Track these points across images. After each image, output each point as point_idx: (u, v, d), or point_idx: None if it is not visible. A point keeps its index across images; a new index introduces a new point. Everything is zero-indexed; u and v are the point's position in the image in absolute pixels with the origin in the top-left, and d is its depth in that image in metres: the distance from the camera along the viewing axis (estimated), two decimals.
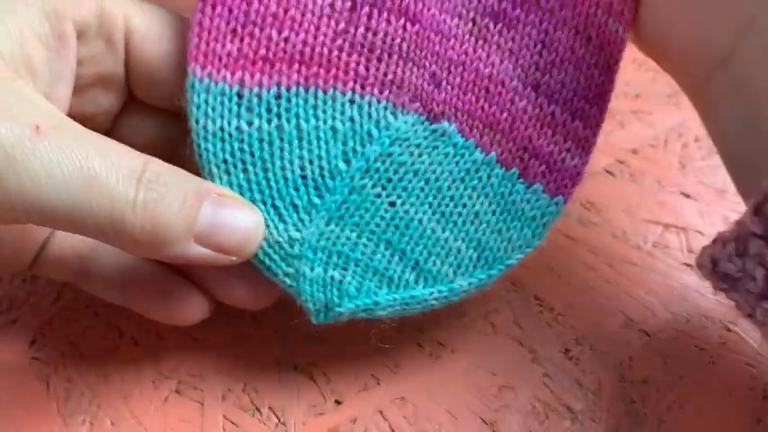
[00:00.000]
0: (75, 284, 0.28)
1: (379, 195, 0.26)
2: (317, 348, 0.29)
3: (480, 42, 0.27)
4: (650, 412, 0.27)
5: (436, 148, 0.26)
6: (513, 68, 0.27)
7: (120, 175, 0.22)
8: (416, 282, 0.26)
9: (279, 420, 0.27)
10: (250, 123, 0.25)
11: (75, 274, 0.28)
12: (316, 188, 0.25)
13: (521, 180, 0.27)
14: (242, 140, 0.25)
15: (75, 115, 0.24)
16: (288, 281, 0.25)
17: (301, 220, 0.25)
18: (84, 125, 0.23)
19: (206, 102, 0.25)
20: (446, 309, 0.30)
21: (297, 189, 0.25)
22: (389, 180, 0.26)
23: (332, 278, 0.25)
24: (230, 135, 0.25)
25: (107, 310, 0.30)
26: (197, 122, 0.25)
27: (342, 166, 0.26)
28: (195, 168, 0.25)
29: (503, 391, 0.28)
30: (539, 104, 0.27)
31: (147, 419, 0.27)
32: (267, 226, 0.25)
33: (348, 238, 0.26)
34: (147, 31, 0.26)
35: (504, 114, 0.27)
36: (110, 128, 0.28)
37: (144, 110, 0.28)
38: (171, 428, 0.27)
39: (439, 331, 0.30)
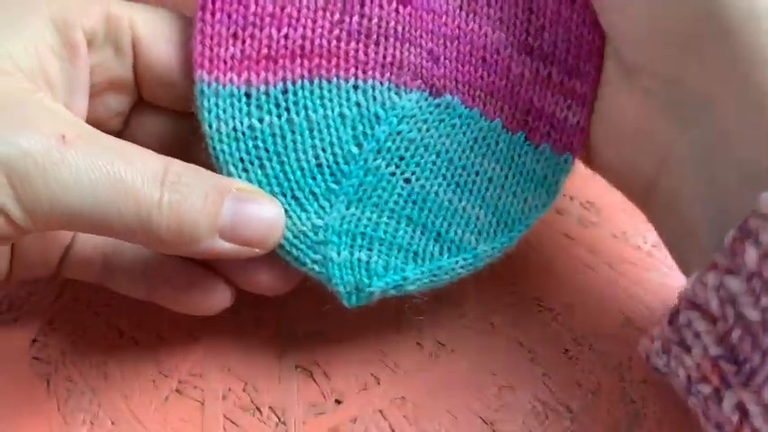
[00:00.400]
0: (101, 283, 0.29)
1: (393, 174, 0.27)
2: (317, 348, 0.29)
3: (471, 16, 0.27)
4: (650, 412, 0.27)
5: (442, 121, 0.27)
6: (505, 37, 0.28)
7: (144, 178, 0.23)
8: (441, 253, 0.27)
9: (279, 420, 0.27)
10: (261, 120, 0.26)
11: (100, 273, 0.28)
12: (332, 174, 0.26)
13: (528, 142, 0.28)
14: (255, 138, 0.26)
15: (89, 121, 0.25)
16: (317, 268, 0.26)
17: (322, 207, 0.26)
18: (98, 129, 0.23)
19: (216, 105, 0.26)
20: (446, 309, 0.30)
21: (314, 178, 0.26)
22: (401, 158, 0.27)
23: (359, 260, 0.26)
24: (243, 134, 0.26)
25: (107, 309, 0.30)
26: (210, 126, 0.26)
27: (354, 150, 0.26)
28: (210, 168, 0.26)
29: (502, 390, 0.28)
30: (535, 68, 0.28)
31: (147, 419, 0.27)
32: (289, 217, 0.26)
33: (369, 219, 0.26)
34: (153, 33, 0.26)
35: (504, 81, 0.28)
36: (121, 129, 0.28)
37: (154, 109, 0.28)
38: (171, 428, 0.27)
39: (439, 331, 0.30)
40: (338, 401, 0.28)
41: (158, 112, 0.28)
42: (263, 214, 0.25)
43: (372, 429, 0.27)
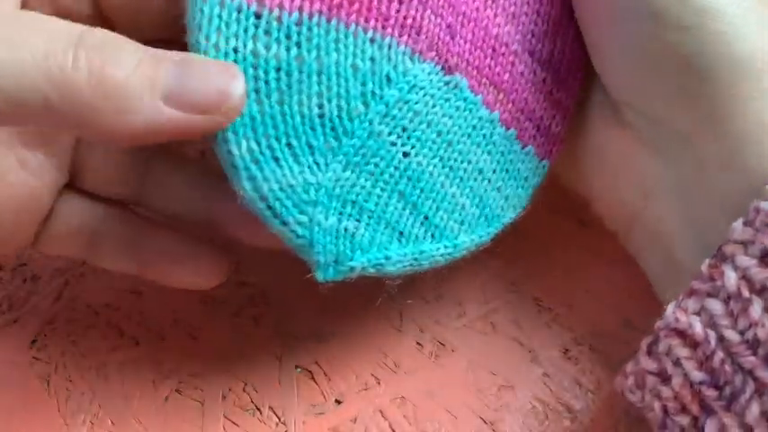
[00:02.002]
0: (84, 259, 0.27)
1: (394, 144, 0.25)
2: (318, 348, 0.29)
3: (489, 2, 0.27)
4: None
5: (448, 100, 0.26)
6: (514, 32, 0.27)
7: (53, 44, 0.19)
8: (425, 237, 0.26)
9: (279, 420, 0.27)
10: (268, 48, 0.23)
11: (84, 247, 0.27)
12: (333, 129, 0.24)
13: (517, 141, 0.28)
14: (257, 66, 0.23)
15: None
16: (299, 230, 0.24)
17: (317, 164, 0.24)
18: None
19: (219, 16, 0.22)
20: (446, 309, 0.30)
21: (313, 129, 0.24)
22: (404, 129, 0.25)
23: (345, 229, 0.24)
24: (244, 58, 0.22)
25: (108, 309, 0.30)
26: (207, 39, 0.22)
27: (361, 107, 0.24)
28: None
29: (502, 390, 0.28)
30: (533, 70, 0.28)
31: (147, 419, 0.27)
32: (280, 166, 0.23)
33: (363, 187, 0.25)
34: None
35: (507, 75, 0.27)
36: None
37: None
38: (171, 428, 0.27)
39: (439, 331, 0.30)
40: (338, 401, 0.28)
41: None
42: (216, 69, 0.21)
43: (372, 429, 0.27)
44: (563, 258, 0.32)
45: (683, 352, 0.22)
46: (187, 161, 0.28)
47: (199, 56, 0.22)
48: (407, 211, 0.25)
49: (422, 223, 0.26)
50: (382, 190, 0.25)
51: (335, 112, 0.24)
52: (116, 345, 0.29)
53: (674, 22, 0.24)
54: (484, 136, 0.27)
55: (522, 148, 0.28)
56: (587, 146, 0.28)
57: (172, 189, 0.28)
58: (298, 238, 0.24)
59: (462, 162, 0.26)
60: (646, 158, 0.26)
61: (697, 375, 0.22)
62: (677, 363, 0.22)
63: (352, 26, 0.24)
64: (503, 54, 0.27)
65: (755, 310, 0.21)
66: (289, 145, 0.23)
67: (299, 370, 0.29)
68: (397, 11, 0.25)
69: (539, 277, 0.31)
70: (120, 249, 0.27)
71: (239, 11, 0.22)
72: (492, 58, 0.27)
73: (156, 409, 0.27)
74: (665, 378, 0.23)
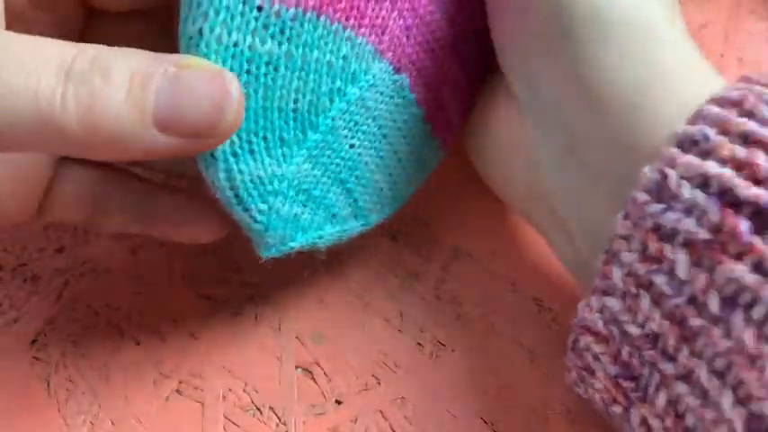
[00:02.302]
0: (89, 225, 0.27)
1: (345, 137, 0.26)
2: (317, 348, 0.29)
3: (438, 4, 0.27)
4: None
5: (392, 98, 0.27)
6: (452, 34, 0.28)
7: (42, 73, 0.18)
8: (352, 217, 0.28)
9: (279, 420, 0.27)
10: (263, 43, 0.22)
11: (88, 213, 0.26)
12: (302, 123, 0.24)
13: (431, 133, 0.29)
14: (251, 61, 0.22)
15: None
16: (258, 216, 0.24)
17: (284, 156, 0.24)
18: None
19: (227, 7, 0.21)
20: (446, 309, 0.30)
21: (287, 123, 0.24)
22: (356, 123, 0.26)
23: (294, 215, 0.26)
24: (242, 53, 0.22)
25: (108, 309, 0.30)
26: (211, 30, 0.21)
27: (327, 103, 0.25)
28: None
29: (503, 391, 0.28)
30: (456, 69, 0.29)
31: (147, 419, 0.27)
32: (254, 160, 0.23)
33: (315, 177, 0.26)
34: None
35: (438, 75, 0.28)
36: None
37: (112, 21, 0.25)
38: (171, 428, 0.27)
39: (439, 331, 0.30)
40: (338, 402, 0.28)
41: (119, 23, 0.25)
42: (207, 89, 0.19)
43: (372, 429, 0.27)
44: None
45: (597, 348, 0.22)
46: None
47: (190, 64, 0.20)
48: (342, 196, 0.27)
49: (350, 205, 0.28)
50: (328, 178, 0.26)
51: (306, 107, 0.24)
52: (116, 345, 0.29)
53: None
54: (410, 130, 0.29)
55: (434, 139, 0.29)
56: (482, 122, 0.29)
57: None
58: (255, 224, 0.24)
59: (389, 152, 0.28)
60: (526, 129, 0.25)
61: (612, 369, 0.22)
62: (596, 358, 0.23)
63: (335, 23, 0.24)
64: (440, 56, 0.28)
65: (644, 304, 0.20)
66: (264, 138, 0.24)
67: (299, 370, 0.29)
68: (372, 10, 0.25)
69: (538, 277, 0.31)
70: (124, 212, 0.27)
71: (244, 2, 0.21)
72: (431, 60, 0.28)
73: (156, 409, 0.28)
74: (591, 372, 0.23)
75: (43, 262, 0.32)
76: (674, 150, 0.20)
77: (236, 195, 0.24)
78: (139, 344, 0.29)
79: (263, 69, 0.23)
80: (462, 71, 0.29)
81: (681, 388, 0.20)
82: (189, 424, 0.27)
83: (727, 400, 0.18)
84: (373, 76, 0.26)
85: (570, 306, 0.30)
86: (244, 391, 0.28)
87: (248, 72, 0.22)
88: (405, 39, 0.27)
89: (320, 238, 0.27)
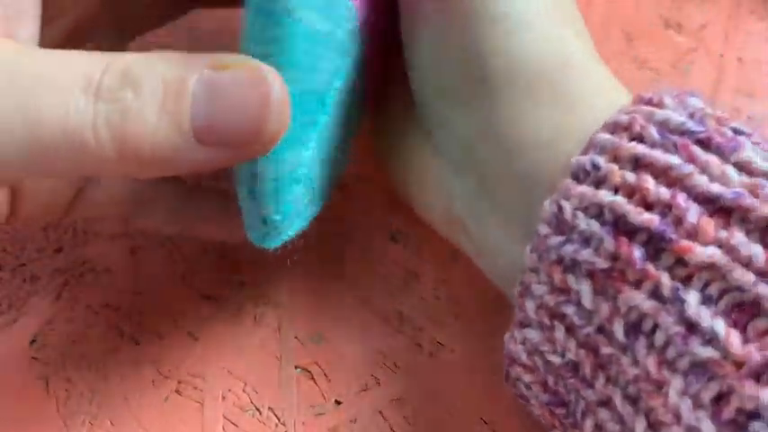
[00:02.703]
0: (125, 222, 0.27)
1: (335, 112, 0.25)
2: (317, 348, 0.29)
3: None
4: None
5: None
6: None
7: (68, 98, 0.17)
8: (316, 201, 0.26)
9: (279, 420, 0.27)
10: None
11: (129, 206, 0.26)
12: (316, 103, 0.23)
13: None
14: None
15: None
16: (281, 207, 0.23)
17: (302, 141, 0.23)
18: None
19: None
20: (446, 308, 0.30)
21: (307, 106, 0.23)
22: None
23: (305, 202, 0.25)
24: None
25: (107, 309, 0.30)
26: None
27: (318, 105, 0.24)
28: None
29: (502, 391, 0.28)
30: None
31: (146, 419, 0.27)
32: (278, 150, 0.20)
33: (313, 159, 0.24)
34: None
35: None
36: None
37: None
38: (171, 428, 0.27)
39: (439, 331, 0.30)
40: (338, 402, 0.28)
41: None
42: (249, 90, 0.18)
43: (372, 430, 0.27)
44: None
45: (527, 377, 0.22)
46: None
47: (227, 64, 0.18)
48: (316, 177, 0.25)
49: (312, 189, 0.25)
50: (319, 159, 0.25)
51: (323, 88, 0.23)
52: (115, 345, 0.29)
53: (462, 23, 0.23)
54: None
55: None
56: (396, 147, 0.28)
57: None
58: (276, 215, 0.23)
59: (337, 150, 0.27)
60: (442, 163, 0.25)
61: (544, 397, 0.22)
62: (528, 387, 0.23)
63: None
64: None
65: (559, 335, 0.20)
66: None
67: (298, 370, 0.29)
68: None
69: None
70: (160, 212, 0.27)
71: None
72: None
73: (156, 409, 0.28)
74: (526, 400, 0.23)
75: (42, 262, 0.32)
76: (569, 182, 0.20)
77: (255, 190, 0.22)
78: (139, 344, 0.29)
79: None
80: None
81: (603, 414, 0.20)
82: (188, 424, 0.27)
83: (640, 427, 0.18)
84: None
85: None
86: (243, 391, 0.28)
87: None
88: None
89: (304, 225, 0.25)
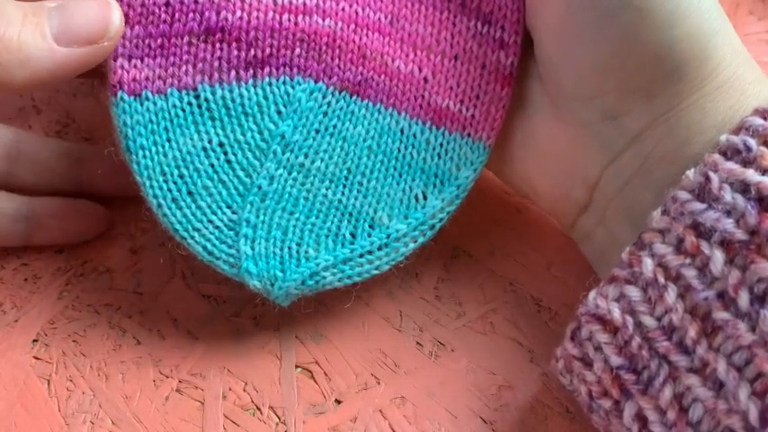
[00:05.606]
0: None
1: (303, 164, 0.27)
2: (317, 348, 0.29)
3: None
4: None
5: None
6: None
7: None
8: (353, 235, 0.28)
9: (279, 420, 0.27)
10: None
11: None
12: (243, 169, 0.27)
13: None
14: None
15: None
16: (231, 260, 0.27)
17: (235, 202, 0.27)
18: None
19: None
20: (446, 309, 0.30)
21: (226, 173, 0.27)
22: (310, 147, 0.27)
23: (273, 253, 0.27)
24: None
25: (108, 309, 0.30)
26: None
27: (262, 144, 0.27)
28: None
29: (502, 390, 0.28)
30: None
31: (147, 419, 0.27)
32: (205, 213, 0.27)
33: (284, 210, 0.27)
34: None
35: None
36: None
37: None
38: (171, 428, 0.27)
39: (439, 331, 0.30)
40: (338, 401, 0.28)
41: None
42: (90, 4, 0.25)
43: (372, 429, 0.27)
44: (562, 258, 0.32)
45: (603, 338, 0.23)
46: (48, 139, 0.34)
47: None
48: (332, 215, 0.28)
49: (349, 221, 0.28)
50: (303, 206, 0.28)
51: (240, 155, 0.27)
52: (116, 345, 0.29)
53: (655, 18, 0.24)
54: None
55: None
56: (531, 144, 0.29)
57: (41, 164, 0.32)
58: (232, 270, 0.27)
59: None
60: (592, 153, 0.27)
61: (616, 360, 0.22)
62: (598, 348, 0.23)
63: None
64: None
65: (670, 296, 0.21)
66: (208, 192, 0.27)
67: (299, 370, 0.29)
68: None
69: (537, 277, 0.31)
70: (7, 226, 0.30)
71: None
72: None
73: (156, 408, 0.28)
74: (587, 363, 0.24)
75: (44, 262, 0.32)
76: (718, 156, 0.22)
77: (203, 248, 0.27)
78: (140, 343, 0.29)
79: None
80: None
81: (692, 380, 0.21)
82: (189, 423, 0.27)
83: (744, 392, 0.19)
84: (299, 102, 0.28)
85: (569, 306, 0.30)
86: (244, 390, 0.28)
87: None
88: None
89: (317, 266, 0.27)
